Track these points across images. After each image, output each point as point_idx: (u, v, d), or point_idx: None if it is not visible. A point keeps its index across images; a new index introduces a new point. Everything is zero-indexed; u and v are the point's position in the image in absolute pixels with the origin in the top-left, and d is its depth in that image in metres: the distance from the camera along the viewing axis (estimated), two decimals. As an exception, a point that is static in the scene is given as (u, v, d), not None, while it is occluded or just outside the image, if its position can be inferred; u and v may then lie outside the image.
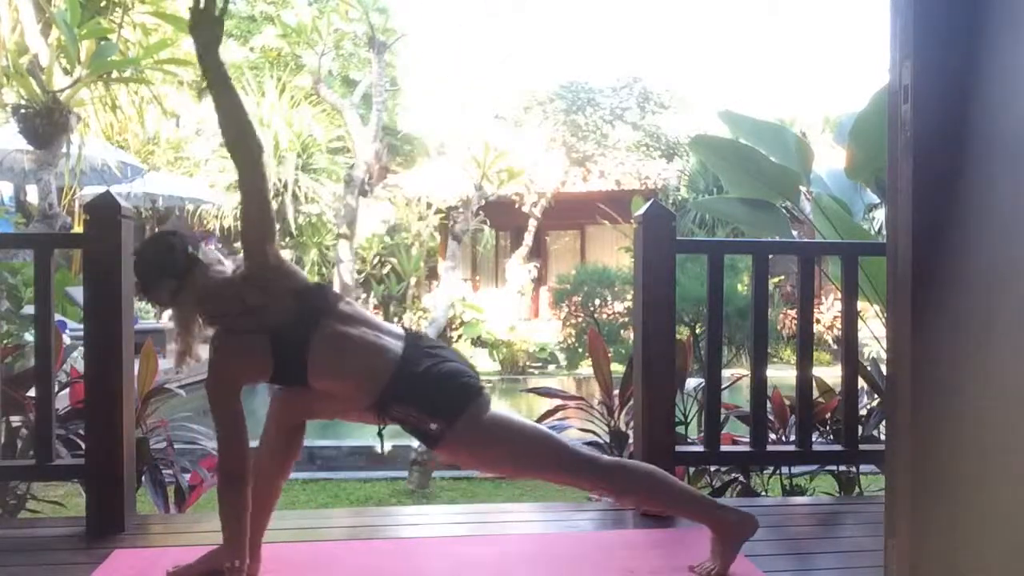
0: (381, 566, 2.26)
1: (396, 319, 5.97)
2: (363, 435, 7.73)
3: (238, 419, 1.97)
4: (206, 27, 1.94)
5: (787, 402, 3.29)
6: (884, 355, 2.04)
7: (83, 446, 2.71)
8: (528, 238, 13.73)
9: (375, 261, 13.74)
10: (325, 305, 1.99)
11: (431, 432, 1.96)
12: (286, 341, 1.94)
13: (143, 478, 2.91)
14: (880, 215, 6.24)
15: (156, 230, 2.15)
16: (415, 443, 5.57)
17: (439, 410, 1.95)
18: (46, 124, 3.90)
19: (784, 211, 4.29)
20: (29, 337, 3.58)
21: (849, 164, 4.03)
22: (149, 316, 11.60)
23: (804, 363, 2.94)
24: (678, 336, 2.94)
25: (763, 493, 3.40)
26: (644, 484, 2.11)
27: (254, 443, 2.06)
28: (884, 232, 2.96)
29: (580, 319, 12.35)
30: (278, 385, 2.05)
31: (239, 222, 2.02)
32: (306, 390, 2.00)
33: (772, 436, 3.22)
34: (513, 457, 2.05)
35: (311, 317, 1.95)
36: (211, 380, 1.96)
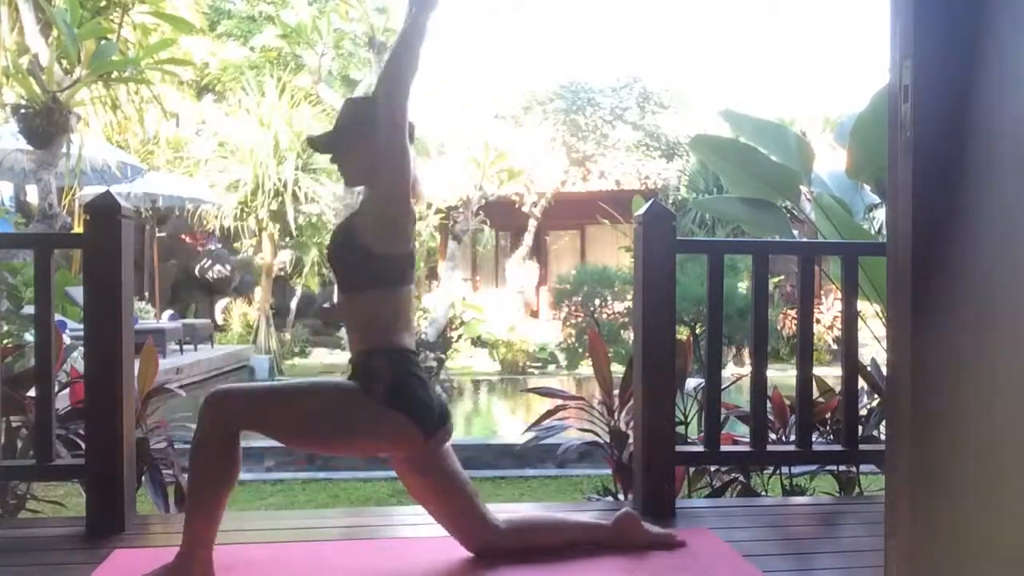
0: (381, 566, 2.26)
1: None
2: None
3: None
4: None
5: (787, 402, 3.29)
6: (884, 355, 2.05)
7: (83, 446, 2.71)
8: (528, 238, 13.73)
9: (375, 261, 13.71)
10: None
11: (371, 391, 2.05)
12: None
13: (143, 478, 2.91)
14: (880, 215, 6.24)
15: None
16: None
17: (393, 390, 2.06)
18: (46, 124, 3.90)
19: (785, 211, 4.29)
20: (29, 337, 3.57)
21: (849, 164, 4.03)
22: (149, 316, 11.62)
23: (804, 363, 2.94)
24: (678, 336, 2.94)
25: (763, 493, 3.40)
26: (545, 537, 2.31)
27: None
28: (884, 232, 2.96)
29: (580, 319, 12.35)
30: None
31: None
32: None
33: (772, 436, 3.22)
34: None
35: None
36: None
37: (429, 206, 13.84)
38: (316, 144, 2.23)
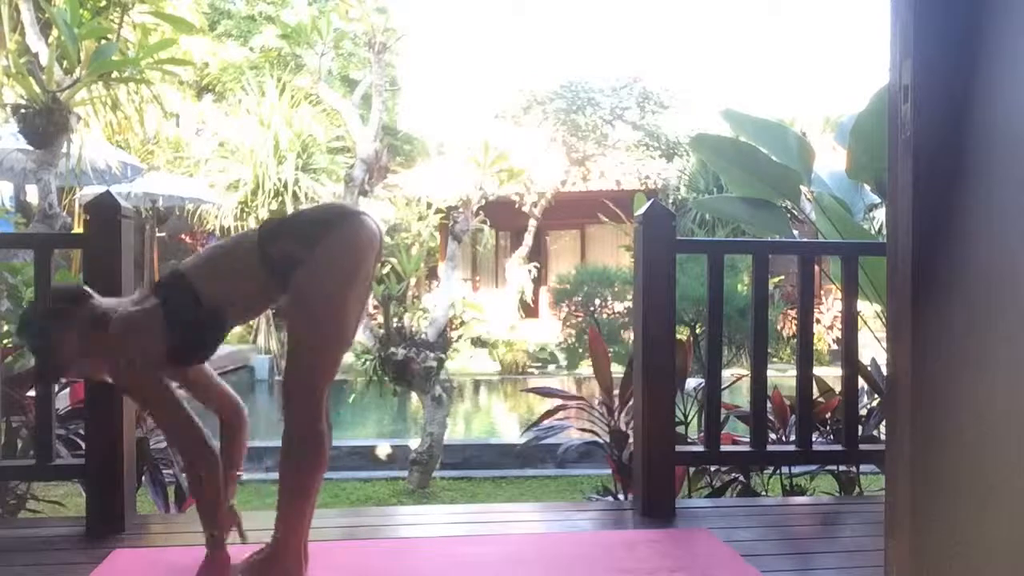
0: (381, 566, 2.26)
1: (396, 319, 5.97)
2: (363, 435, 7.74)
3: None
4: None
5: (787, 402, 3.29)
6: (884, 355, 2.04)
7: (83, 446, 2.71)
8: (528, 238, 13.73)
9: (375, 261, 13.72)
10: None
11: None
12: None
13: (143, 478, 2.92)
14: (880, 215, 6.24)
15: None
16: (415, 443, 5.57)
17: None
18: (46, 124, 3.89)
19: (785, 211, 4.29)
20: (29, 337, 3.57)
21: (849, 164, 4.03)
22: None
23: (804, 363, 2.94)
24: (678, 336, 2.94)
25: (763, 493, 3.40)
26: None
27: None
28: (884, 232, 2.96)
29: (580, 319, 12.34)
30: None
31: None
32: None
33: (772, 436, 3.22)
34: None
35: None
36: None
37: (429, 206, 13.84)
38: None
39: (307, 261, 1.93)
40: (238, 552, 2.09)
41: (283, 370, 1.99)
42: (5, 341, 3.46)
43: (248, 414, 2.29)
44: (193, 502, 3.08)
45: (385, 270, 14.32)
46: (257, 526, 2.21)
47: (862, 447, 3.03)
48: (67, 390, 3.20)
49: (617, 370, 3.40)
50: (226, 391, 2.23)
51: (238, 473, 2.27)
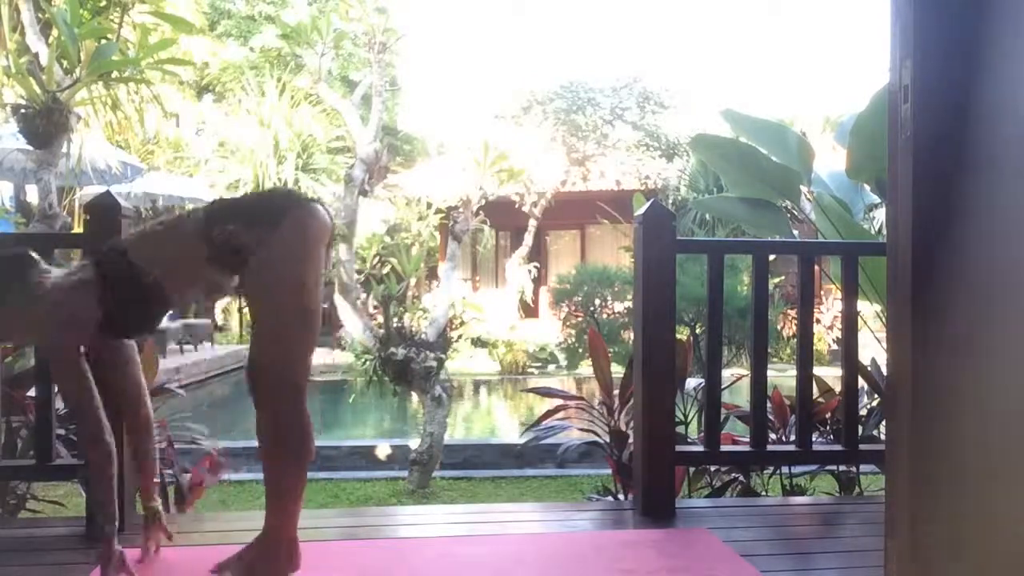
0: (381, 566, 2.26)
1: (396, 319, 5.97)
2: (363, 435, 7.74)
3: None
4: None
5: (787, 402, 3.29)
6: (884, 355, 2.05)
7: (83, 446, 2.71)
8: (528, 238, 13.73)
9: (375, 261, 13.73)
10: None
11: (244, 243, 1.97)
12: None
13: (143, 478, 2.91)
14: (880, 215, 6.24)
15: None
16: (415, 443, 5.57)
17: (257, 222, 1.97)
18: (46, 124, 3.89)
19: (785, 211, 4.29)
20: (29, 337, 3.58)
21: (849, 164, 4.03)
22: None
23: (804, 363, 2.94)
24: (678, 336, 2.94)
25: (763, 493, 3.40)
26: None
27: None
28: (884, 232, 2.96)
29: (580, 319, 12.35)
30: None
31: None
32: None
33: (772, 436, 3.22)
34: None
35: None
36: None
37: (429, 206, 13.84)
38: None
39: (260, 250, 1.92)
40: (212, 552, 2.08)
41: (248, 360, 1.94)
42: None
43: (149, 416, 2.28)
44: (193, 502, 3.10)
45: (385, 270, 14.38)
46: (256, 526, 2.21)
47: (862, 447, 3.03)
48: (67, 390, 3.19)
49: (617, 370, 3.40)
50: (137, 380, 2.23)
51: (157, 477, 2.29)
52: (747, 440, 3.07)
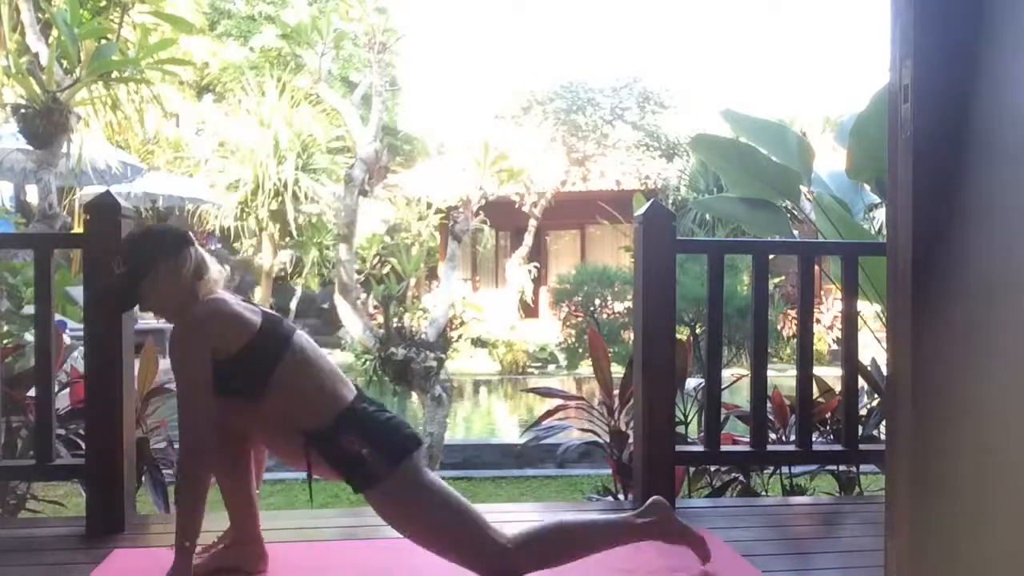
0: (380, 566, 2.26)
1: (396, 319, 5.99)
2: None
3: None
4: None
5: (787, 402, 3.29)
6: (884, 355, 2.05)
7: (83, 446, 2.71)
8: (528, 238, 13.73)
9: (375, 261, 13.74)
10: (292, 332, 2.06)
11: (372, 471, 1.94)
12: (257, 352, 1.97)
13: (143, 478, 2.91)
14: (880, 215, 6.24)
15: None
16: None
17: (386, 451, 1.96)
18: (46, 124, 3.89)
19: (785, 211, 4.29)
20: (29, 337, 3.58)
21: (849, 164, 4.03)
22: (149, 316, 11.61)
23: (804, 363, 2.94)
24: (678, 336, 2.94)
25: (763, 493, 3.40)
26: (562, 545, 2.06)
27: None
28: (884, 232, 2.96)
29: (580, 319, 12.34)
30: (225, 394, 2.00)
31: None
32: (243, 408, 2.01)
33: (772, 436, 3.22)
34: (436, 522, 1.99)
35: (285, 336, 2.02)
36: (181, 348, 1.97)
37: (429, 206, 13.85)
38: (110, 295, 2.16)
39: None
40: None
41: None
42: (5, 341, 3.46)
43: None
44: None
45: (385, 270, 14.37)
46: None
47: (862, 447, 3.03)
48: (67, 390, 3.19)
49: (617, 370, 3.40)
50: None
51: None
52: (747, 440, 3.07)
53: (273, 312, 2.10)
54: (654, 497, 2.19)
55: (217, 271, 2.08)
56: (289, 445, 2.02)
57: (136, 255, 2.00)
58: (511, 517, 2.97)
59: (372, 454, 1.94)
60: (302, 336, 2.09)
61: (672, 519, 2.17)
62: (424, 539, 1.99)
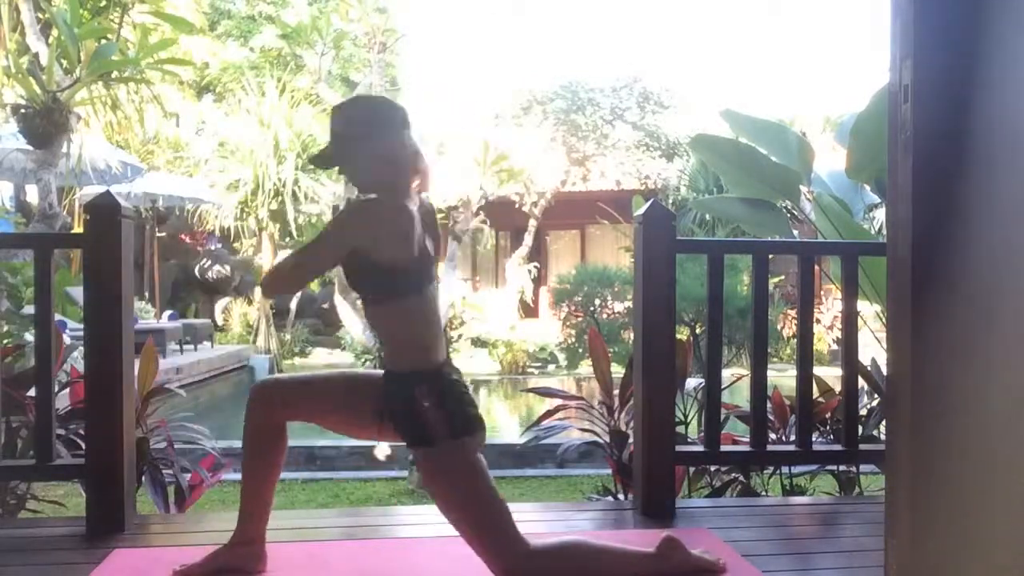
0: (381, 566, 2.26)
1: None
2: (363, 435, 7.73)
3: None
4: None
5: (787, 402, 3.29)
6: (884, 355, 2.05)
7: (83, 446, 2.71)
8: (528, 238, 13.73)
9: (375, 261, 13.71)
10: (432, 281, 2.06)
11: (431, 430, 1.97)
12: (399, 276, 1.98)
13: (143, 478, 2.91)
14: (880, 215, 6.24)
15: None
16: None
17: (451, 419, 1.99)
18: (46, 124, 3.90)
19: (785, 211, 4.29)
20: (29, 337, 3.58)
21: (849, 164, 4.03)
22: (149, 316, 11.62)
23: (804, 363, 2.94)
24: (678, 336, 2.94)
25: (763, 493, 3.40)
26: (580, 564, 2.07)
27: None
28: (884, 232, 2.96)
29: (580, 319, 12.34)
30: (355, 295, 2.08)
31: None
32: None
33: (772, 436, 3.22)
34: (477, 507, 2.05)
35: (428, 279, 2.03)
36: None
37: (429, 206, 13.82)
38: (320, 159, 2.10)
39: None
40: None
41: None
42: (5, 341, 3.46)
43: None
44: (193, 502, 3.09)
45: (385, 270, 14.24)
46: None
47: (862, 447, 3.03)
48: (67, 390, 3.19)
49: (617, 370, 3.39)
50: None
51: None
52: (747, 440, 3.07)
53: (429, 251, 2.06)
54: (666, 536, 2.14)
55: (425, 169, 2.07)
56: (359, 422, 2.08)
57: (373, 119, 2.00)
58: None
59: (437, 413, 1.97)
60: (436, 289, 2.09)
61: (687, 561, 2.13)
62: (461, 517, 2.03)
